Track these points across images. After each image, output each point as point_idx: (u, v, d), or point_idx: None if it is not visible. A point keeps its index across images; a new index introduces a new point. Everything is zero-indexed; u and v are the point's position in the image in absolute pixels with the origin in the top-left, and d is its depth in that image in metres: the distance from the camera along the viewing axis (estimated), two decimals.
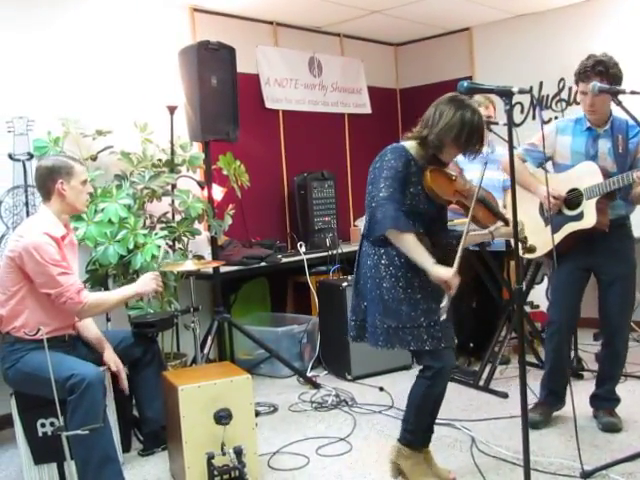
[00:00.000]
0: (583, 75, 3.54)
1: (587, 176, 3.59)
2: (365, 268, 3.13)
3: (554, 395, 3.89)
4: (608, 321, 3.82)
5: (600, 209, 3.58)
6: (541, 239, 3.73)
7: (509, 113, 2.63)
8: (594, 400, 3.90)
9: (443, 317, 2.91)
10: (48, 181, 3.40)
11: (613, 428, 3.74)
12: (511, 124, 2.64)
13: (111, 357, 3.59)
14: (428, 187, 3.03)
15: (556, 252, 3.55)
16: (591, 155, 3.66)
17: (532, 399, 3.81)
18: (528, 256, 3.93)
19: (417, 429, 3.23)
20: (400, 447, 3.25)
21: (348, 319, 3.27)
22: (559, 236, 3.69)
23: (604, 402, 3.86)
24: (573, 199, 3.70)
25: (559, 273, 3.78)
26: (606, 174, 3.57)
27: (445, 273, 2.89)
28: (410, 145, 3.08)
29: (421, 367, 3.17)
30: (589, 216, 3.60)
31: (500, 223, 3.20)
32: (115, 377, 3.63)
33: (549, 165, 3.94)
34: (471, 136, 3.00)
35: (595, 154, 3.66)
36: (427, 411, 3.21)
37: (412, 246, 2.94)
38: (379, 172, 3.02)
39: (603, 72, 3.51)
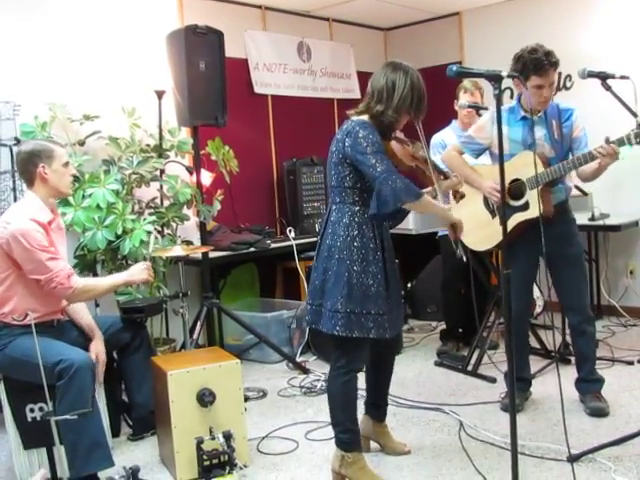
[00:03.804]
0: (540, 69, 3.50)
1: (527, 166, 3.58)
2: (333, 250, 3.02)
3: (522, 381, 3.94)
4: (571, 304, 3.84)
5: (544, 197, 3.63)
6: (489, 231, 3.77)
7: (498, 97, 2.62)
8: (578, 384, 3.93)
9: (465, 259, 3.14)
10: (29, 166, 3.36)
11: (600, 413, 3.77)
12: (500, 108, 2.64)
13: (95, 348, 3.55)
14: (392, 155, 3.03)
15: (508, 240, 3.63)
16: (529, 143, 3.68)
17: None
18: (479, 249, 4.00)
19: (351, 426, 3.15)
20: (343, 454, 3.13)
21: (306, 302, 3.19)
22: (508, 227, 3.70)
23: (588, 385, 3.89)
24: (516, 189, 3.74)
25: (514, 263, 3.79)
26: (545, 160, 3.63)
27: (457, 217, 3.09)
28: (367, 120, 3.03)
29: (334, 357, 3.13)
30: (535, 206, 3.62)
31: (441, 177, 3.21)
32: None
33: (486, 155, 3.98)
34: (420, 99, 3.02)
35: (533, 142, 3.68)
36: (353, 401, 3.15)
37: (428, 205, 3.01)
38: (360, 151, 2.91)
39: (556, 62, 3.56)
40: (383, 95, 2.99)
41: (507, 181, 3.70)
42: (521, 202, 3.71)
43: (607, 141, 3.47)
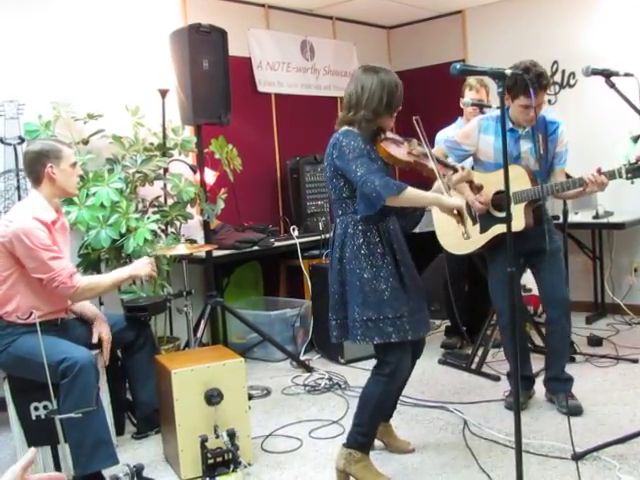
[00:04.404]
0: (529, 91, 3.46)
1: (514, 180, 3.59)
2: (343, 262, 3.06)
3: (525, 380, 3.92)
4: (550, 297, 3.83)
5: (527, 212, 3.69)
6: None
7: (502, 95, 2.63)
8: (550, 383, 3.88)
9: (471, 239, 3.05)
10: (37, 165, 3.36)
11: (578, 411, 3.74)
12: (504, 106, 2.64)
13: (98, 329, 3.54)
14: (387, 155, 3.04)
15: (487, 248, 3.77)
16: (514, 156, 3.70)
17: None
18: (456, 253, 4.03)
19: (371, 431, 3.18)
20: (351, 451, 3.12)
21: (329, 319, 3.14)
22: (487, 236, 3.80)
23: (561, 384, 3.85)
24: (501, 201, 3.74)
25: (496, 267, 3.83)
26: (532, 175, 3.68)
27: (456, 201, 3.00)
28: (349, 128, 3.06)
29: (377, 364, 3.12)
30: (518, 220, 3.64)
31: (450, 172, 3.20)
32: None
33: (470, 161, 3.98)
34: (392, 96, 3.02)
35: (518, 155, 3.73)
36: (384, 411, 3.18)
37: (415, 197, 2.97)
38: (343, 159, 2.97)
39: (547, 85, 3.59)
40: (353, 99, 3.05)
41: (492, 192, 3.73)
42: (503, 214, 3.70)
43: (599, 171, 3.49)
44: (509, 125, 3.72)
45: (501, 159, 3.66)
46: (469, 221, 3.01)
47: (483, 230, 3.81)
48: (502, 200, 3.72)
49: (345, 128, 3.07)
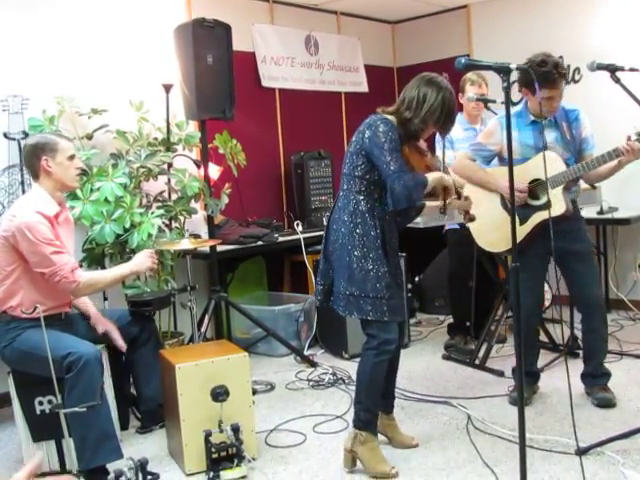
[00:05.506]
0: (552, 82, 3.50)
1: (548, 165, 3.59)
2: (337, 235, 3.18)
3: (530, 376, 3.93)
4: (584, 299, 3.83)
5: (565, 196, 3.67)
6: (509, 232, 3.76)
7: (507, 91, 2.61)
8: (585, 378, 3.92)
9: (446, 220, 3.24)
10: (33, 159, 3.37)
11: (608, 403, 3.77)
12: (509, 102, 2.63)
13: (98, 323, 3.58)
14: (407, 161, 3.11)
15: (528, 240, 3.71)
16: (541, 147, 3.69)
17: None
18: (497, 250, 3.99)
19: (371, 407, 3.23)
20: (357, 432, 3.21)
21: (316, 283, 3.35)
22: (529, 227, 3.76)
23: (595, 379, 3.88)
24: (536, 189, 3.74)
25: (523, 260, 3.77)
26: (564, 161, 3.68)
27: (445, 176, 3.13)
28: (393, 120, 3.14)
29: (366, 340, 3.22)
30: (558, 204, 3.63)
31: (454, 196, 3.25)
32: (111, 350, 3.65)
33: (495, 161, 3.98)
34: (449, 116, 3.14)
35: (545, 146, 3.70)
36: (378, 384, 3.22)
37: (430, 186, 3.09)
38: (375, 143, 3.05)
39: (565, 73, 3.63)
40: (413, 104, 3.12)
41: (526, 182, 3.72)
42: (542, 201, 3.70)
43: (629, 138, 3.48)
44: (530, 118, 3.74)
45: (528, 154, 3.70)
46: (449, 198, 3.15)
47: (522, 222, 3.76)
48: (538, 188, 3.72)
49: (386, 116, 3.15)
